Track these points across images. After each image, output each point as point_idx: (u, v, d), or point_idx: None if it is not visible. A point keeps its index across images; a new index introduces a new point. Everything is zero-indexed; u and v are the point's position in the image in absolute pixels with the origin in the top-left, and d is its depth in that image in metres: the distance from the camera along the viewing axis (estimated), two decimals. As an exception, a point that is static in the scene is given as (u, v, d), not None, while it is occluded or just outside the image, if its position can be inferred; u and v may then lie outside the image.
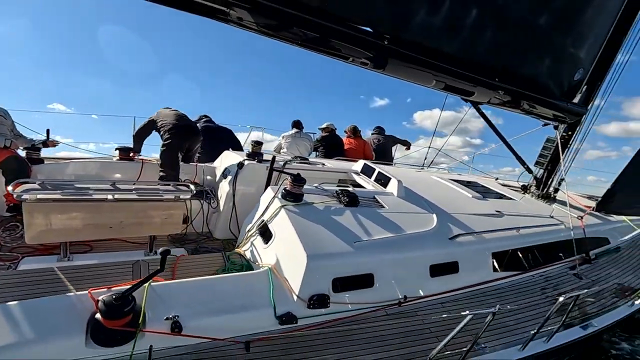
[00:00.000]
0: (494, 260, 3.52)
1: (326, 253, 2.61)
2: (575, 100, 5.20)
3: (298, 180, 3.03)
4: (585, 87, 5.11)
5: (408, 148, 7.21)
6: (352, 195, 3.28)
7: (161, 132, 4.22)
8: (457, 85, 4.22)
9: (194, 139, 4.50)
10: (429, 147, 7.20)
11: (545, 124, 5.33)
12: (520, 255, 3.84)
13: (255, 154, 4.06)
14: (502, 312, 3.01)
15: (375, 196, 3.61)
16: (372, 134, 6.90)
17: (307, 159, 4.46)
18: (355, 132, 6.41)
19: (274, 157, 3.56)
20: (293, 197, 3.02)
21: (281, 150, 5.86)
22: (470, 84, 4.13)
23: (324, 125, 6.28)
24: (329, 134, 6.16)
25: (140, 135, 4.41)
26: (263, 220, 3.07)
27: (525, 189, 5.73)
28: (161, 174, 4.17)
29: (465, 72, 3.59)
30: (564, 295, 2.46)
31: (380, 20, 2.98)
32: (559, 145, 5.30)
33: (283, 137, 5.90)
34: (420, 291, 2.94)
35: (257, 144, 4.07)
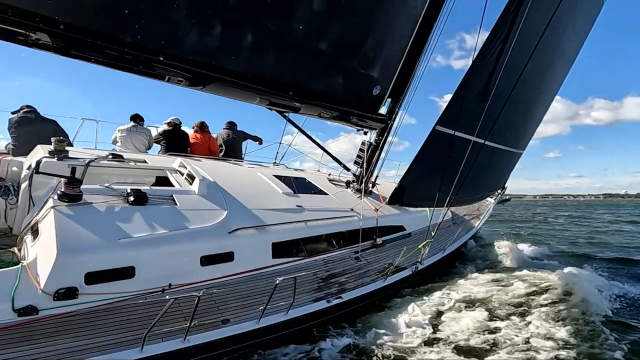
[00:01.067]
0: (276, 249, 4.16)
1: (80, 250, 2.89)
2: (383, 110, 6.20)
3: (71, 182, 3.22)
4: (389, 99, 6.11)
5: (260, 143, 7.72)
6: (139, 195, 3.58)
7: None
8: (282, 102, 4.78)
9: None
10: (279, 143, 7.83)
11: (358, 130, 6.24)
12: (305, 244, 4.56)
13: (58, 151, 4.08)
14: (259, 291, 3.63)
15: (173, 195, 3.95)
16: (223, 129, 7.21)
17: (121, 157, 4.60)
18: (202, 127, 6.66)
19: (38, 162, 3.66)
20: (68, 197, 3.21)
21: (116, 144, 5.86)
22: (290, 101, 4.73)
23: (168, 120, 6.40)
24: (172, 128, 6.30)
25: None
26: (37, 220, 3.22)
27: (348, 184, 6.63)
28: None
29: (252, 85, 4.09)
30: (280, 279, 3.10)
31: (150, 37, 3.28)
32: (374, 147, 6.30)
33: (119, 131, 5.89)
34: (189, 279, 3.41)
35: (60, 141, 4.10)
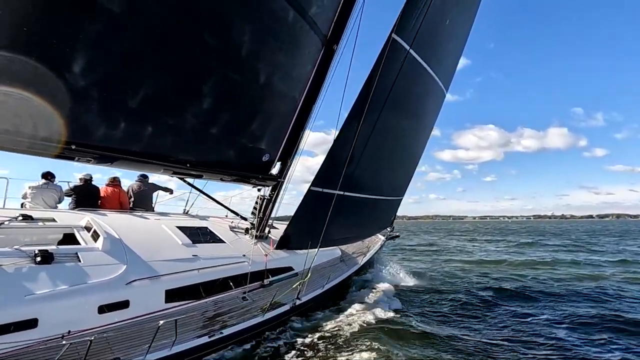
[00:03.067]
0: (169, 295, 5.05)
1: None
2: (274, 171, 7.52)
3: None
4: (280, 162, 7.47)
5: (171, 193, 8.55)
6: (45, 255, 4.31)
7: None
8: (184, 172, 5.82)
9: None
10: (190, 192, 8.71)
11: (254, 187, 7.47)
12: (197, 288, 5.51)
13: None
14: (150, 332, 4.50)
15: (78, 252, 4.70)
16: (135, 181, 7.93)
17: (31, 217, 5.20)
18: (113, 181, 7.34)
19: None
20: None
21: (26, 199, 6.33)
22: (189, 171, 5.80)
23: (81, 175, 7.04)
24: (82, 184, 6.91)
25: None
26: None
27: (247, 231, 7.73)
28: None
29: (154, 161, 5.10)
30: (163, 320, 4.05)
31: (66, 134, 4.21)
32: (264, 200, 7.56)
33: (29, 187, 6.39)
34: (87, 325, 4.19)
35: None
